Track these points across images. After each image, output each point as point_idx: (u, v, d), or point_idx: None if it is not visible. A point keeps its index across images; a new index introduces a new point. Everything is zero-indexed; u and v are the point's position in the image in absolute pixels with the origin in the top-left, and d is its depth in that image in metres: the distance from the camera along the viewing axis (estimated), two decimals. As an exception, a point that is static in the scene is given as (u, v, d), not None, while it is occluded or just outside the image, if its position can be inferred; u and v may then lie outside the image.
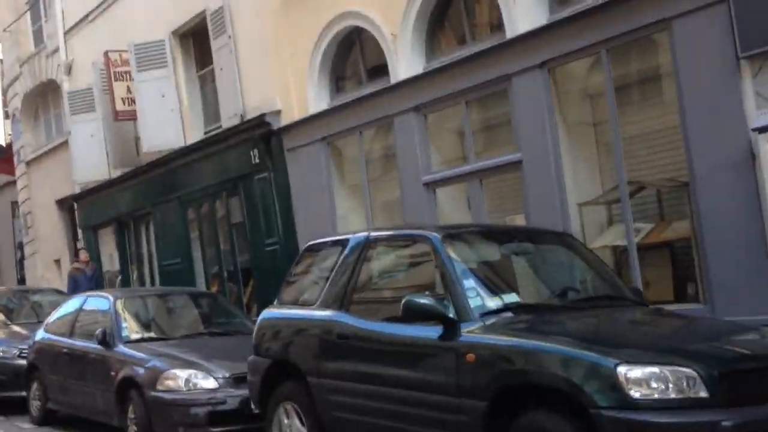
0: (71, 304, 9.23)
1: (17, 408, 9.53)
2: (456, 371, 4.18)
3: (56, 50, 15.63)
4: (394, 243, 5.37)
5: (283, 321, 5.93)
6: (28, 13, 17.04)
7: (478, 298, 4.40)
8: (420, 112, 8.56)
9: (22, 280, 23.18)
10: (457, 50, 8.44)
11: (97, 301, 8.65)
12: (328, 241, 6.08)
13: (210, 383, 6.91)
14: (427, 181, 8.40)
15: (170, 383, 6.92)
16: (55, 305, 11.78)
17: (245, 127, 11.00)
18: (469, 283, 4.44)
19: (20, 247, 28.06)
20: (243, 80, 11.21)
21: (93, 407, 7.97)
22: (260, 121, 10.64)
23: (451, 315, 4.30)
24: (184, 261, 12.58)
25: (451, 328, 4.29)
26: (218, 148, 11.65)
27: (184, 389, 6.88)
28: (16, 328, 10.80)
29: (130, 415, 7.18)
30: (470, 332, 4.21)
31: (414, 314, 4.37)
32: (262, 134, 10.72)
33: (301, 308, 5.84)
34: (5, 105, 19.06)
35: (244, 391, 6.64)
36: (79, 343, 8.35)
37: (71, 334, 8.62)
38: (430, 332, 4.39)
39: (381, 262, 5.42)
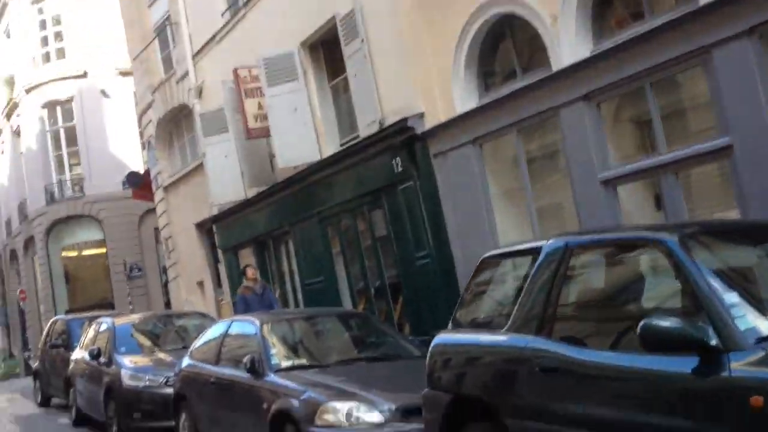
0: (216, 329, 8.71)
1: (165, 440, 9.12)
2: (730, 420, 3.11)
3: (186, 74, 15.55)
4: (605, 249, 4.32)
5: (463, 348, 5.02)
6: (157, 41, 17.13)
7: (746, 318, 3.29)
8: (591, 101, 7.49)
9: (168, 305, 23.60)
10: (631, 27, 7.34)
11: (243, 326, 8.05)
12: (511, 251, 5.12)
13: (375, 417, 6.07)
14: (606, 179, 7.30)
15: (329, 417, 6.14)
16: (200, 330, 11.45)
17: (385, 135, 10.26)
18: (732, 298, 3.32)
19: (165, 271, 28.77)
20: (380, 85, 10.49)
21: (246, 443, 7.33)
22: (402, 126, 9.86)
23: (713, 342, 3.24)
24: (327, 279, 11.96)
25: (713, 359, 3.19)
26: (356, 159, 10.98)
27: (346, 424, 6.07)
28: (162, 355, 10.45)
29: (287, 453, 6.47)
30: (746, 365, 3.13)
31: (657, 342, 3.30)
32: (404, 140, 9.94)
33: (485, 332, 4.91)
34: (141, 134, 19.40)
35: (414, 426, 5.80)
36: (226, 372, 7.76)
37: (217, 362, 8.06)
38: (679, 365, 3.34)
39: (589, 274, 4.38)
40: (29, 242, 30.13)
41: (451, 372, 5.05)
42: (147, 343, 11.40)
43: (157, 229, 28.19)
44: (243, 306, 11.47)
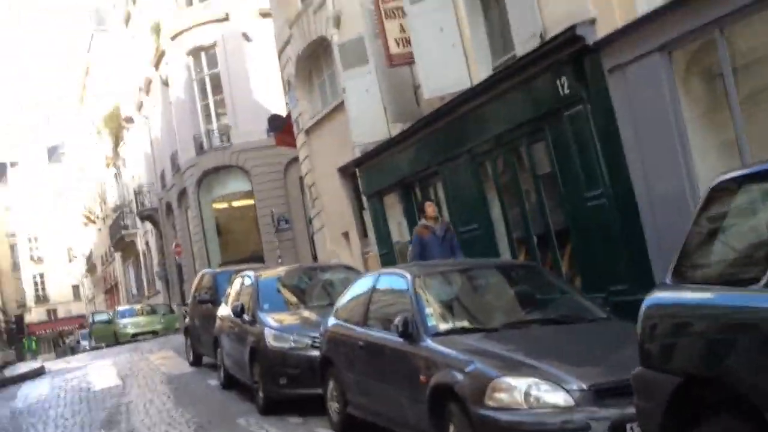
0: (362, 284, 7.65)
1: (315, 407, 8.22)
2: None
3: (323, 3, 14.47)
4: None
5: (694, 312, 3.59)
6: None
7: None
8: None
9: (315, 258, 23.22)
10: None
11: (392, 280, 6.92)
12: (761, 171, 3.57)
13: (560, 398, 4.78)
14: None
15: (503, 396, 4.90)
16: (346, 284, 10.53)
17: (547, 50, 8.70)
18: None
19: (311, 222, 28.43)
20: (539, -10, 8.91)
21: (401, 419, 6.22)
22: (568, 36, 8.27)
23: None
24: (482, 226, 10.64)
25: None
26: (513, 84, 9.50)
27: (524, 406, 4.82)
28: (307, 313, 9.57)
29: (454, 438, 5.31)
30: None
31: None
32: (571, 54, 8.36)
33: (728, 289, 3.46)
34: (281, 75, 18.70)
35: (613, 412, 4.50)
36: (375, 334, 6.70)
37: (365, 322, 7.01)
38: None
39: None
40: (182, 195, 30.69)
41: (678, 346, 3.63)
42: (292, 299, 10.58)
43: (302, 179, 27.91)
44: (419, 250, 9.72)
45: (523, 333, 5.81)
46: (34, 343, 35.53)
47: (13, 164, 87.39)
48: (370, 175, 13.80)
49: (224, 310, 11.33)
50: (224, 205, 28.78)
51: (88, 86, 55.76)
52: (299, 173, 27.55)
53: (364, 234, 14.93)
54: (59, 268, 79.47)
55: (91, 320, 35.00)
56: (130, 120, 39.84)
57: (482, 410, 4.91)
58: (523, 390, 4.83)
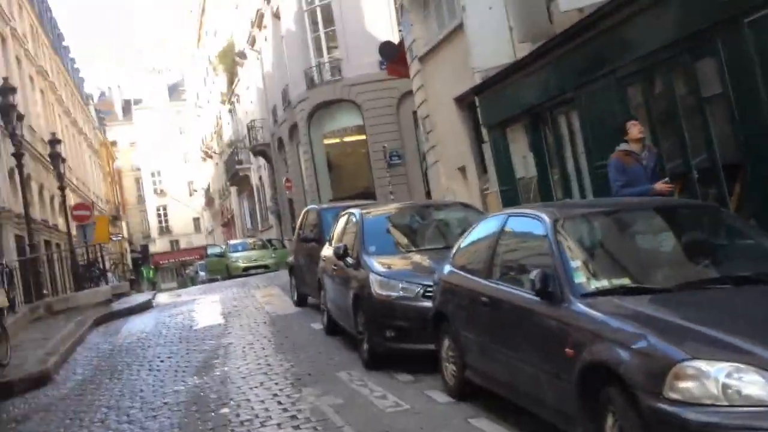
0: (485, 227, 6.32)
1: (426, 365, 7.07)
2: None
3: None
4: None
5: None
6: None
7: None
8: None
9: (428, 194, 22.02)
10: None
11: (525, 223, 5.55)
12: None
13: (772, 393, 3.38)
14: None
15: (691, 386, 3.53)
16: (464, 225, 9.21)
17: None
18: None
19: (425, 158, 27.18)
20: None
21: (535, 396, 4.94)
22: None
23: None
24: (626, 160, 9.00)
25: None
26: (674, -12, 7.76)
27: (723, 401, 3.45)
28: (418, 257, 8.35)
29: (612, 432, 4.00)
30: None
31: None
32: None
33: None
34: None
35: None
36: (503, 289, 5.40)
37: (489, 273, 5.71)
38: None
39: None
40: (293, 129, 30.03)
41: None
42: (402, 240, 9.37)
43: (416, 113, 26.52)
44: (617, 177, 7.54)
45: (708, 296, 4.36)
46: (151, 272, 36.31)
47: (137, 102, 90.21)
48: (491, 104, 12.29)
49: (328, 251, 10.31)
50: (335, 140, 27.87)
51: (205, 24, 55.96)
52: (412, 106, 26.18)
53: (483, 170, 13.53)
54: (181, 200, 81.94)
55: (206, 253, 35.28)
56: (243, 55, 39.43)
57: (660, 403, 3.56)
58: (721, 378, 3.45)
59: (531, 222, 5.35)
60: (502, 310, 5.32)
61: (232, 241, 34.61)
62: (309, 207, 13.99)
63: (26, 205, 17.30)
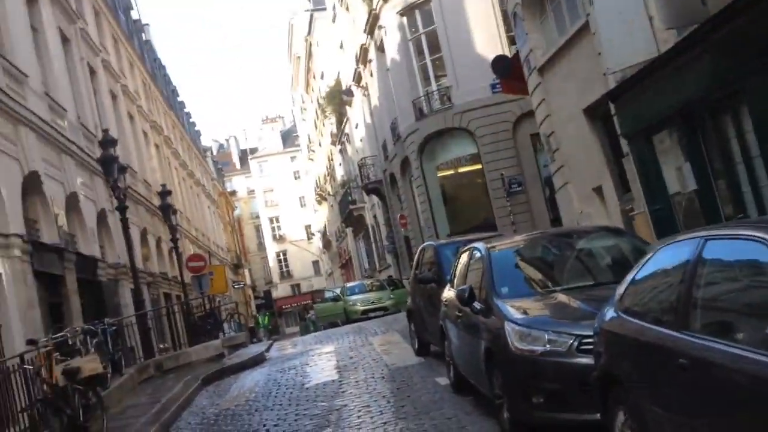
0: (668, 256, 4.58)
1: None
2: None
3: None
4: None
5: None
6: None
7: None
8: None
9: (556, 221, 20.13)
10: None
11: (739, 250, 3.80)
12: None
13: None
14: None
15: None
16: (615, 253, 7.51)
17: None
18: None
19: (547, 182, 25.29)
20: None
21: None
22: None
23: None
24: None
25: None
26: None
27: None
28: (564, 298, 6.66)
29: None
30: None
31: None
32: None
33: None
34: (503, 6, 15.67)
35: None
36: (715, 347, 3.67)
37: (684, 322, 3.99)
38: None
39: None
40: (405, 164, 28.83)
41: None
42: (539, 278, 7.73)
43: (534, 136, 24.77)
44: None
45: None
46: (266, 319, 35.35)
47: (252, 151, 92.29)
48: (630, 110, 10.47)
49: (449, 293, 8.78)
50: (449, 172, 26.38)
51: (312, 68, 56.25)
52: (530, 129, 24.46)
53: (624, 188, 11.66)
54: (299, 245, 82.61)
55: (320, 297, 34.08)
56: (349, 93, 38.87)
57: None
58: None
59: (750, 248, 3.61)
60: (716, 380, 3.60)
61: (349, 284, 33.58)
62: (425, 244, 12.53)
63: (132, 258, 16.73)
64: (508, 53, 24.46)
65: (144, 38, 44.18)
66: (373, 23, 29.24)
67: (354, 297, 28.29)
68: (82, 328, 11.82)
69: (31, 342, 9.45)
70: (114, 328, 13.83)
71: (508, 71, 15.14)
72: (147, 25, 50.77)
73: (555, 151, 13.64)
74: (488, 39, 24.49)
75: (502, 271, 7.29)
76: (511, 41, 23.84)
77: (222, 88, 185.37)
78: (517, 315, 6.39)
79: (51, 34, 20.06)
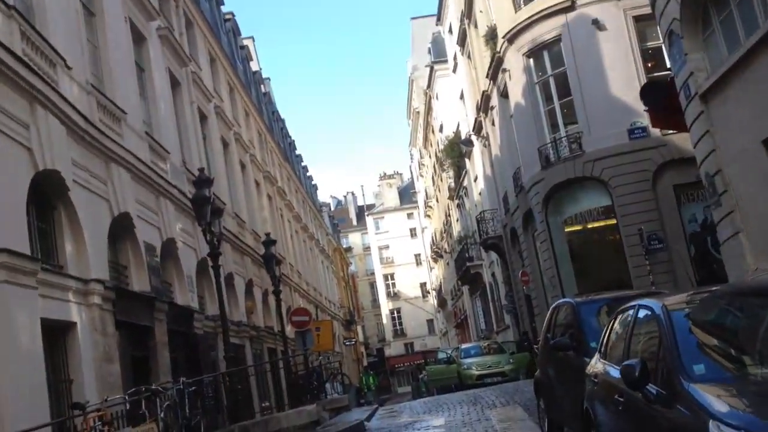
0: None
1: None
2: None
3: None
4: None
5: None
6: None
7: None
8: None
9: (708, 281, 17.25)
10: None
11: None
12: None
13: None
14: None
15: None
16: None
17: None
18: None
19: (694, 239, 22.30)
20: None
21: None
22: None
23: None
24: None
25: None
26: None
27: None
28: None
29: None
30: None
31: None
32: None
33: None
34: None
35: None
36: None
37: None
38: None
39: None
40: (528, 217, 26.53)
41: None
42: (730, 351, 5.41)
43: (678, 186, 22.00)
44: None
45: None
46: (371, 379, 32.89)
47: (369, 207, 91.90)
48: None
49: (599, 365, 6.56)
50: (578, 227, 23.81)
51: (432, 123, 55.07)
52: (674, 179, 21.74)
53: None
54: (414, 302, 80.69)
55: (431, 359, 31.61)
56: (469, 143, 37.07)
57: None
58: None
59: None
60: None
61: (464, 345, 31.13)
62: (560, 301, 10.27)
63: (222, 307, 15.18)
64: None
65: (263, 90, 44.27)
66: (496, 67, 27.46)
67: (469, 360, 25.87)
68: (147, 388, 10.17)
69: (76, 406, 7.85)
70: (193, 388, 12.20)
71: (660, 102, 12.83)
72: (267, 79, 51.24)
73: (722, 194, 11.17)
74: (625, 80, 22.12)
75: (690, 340, 5.05)
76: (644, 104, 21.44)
77: (343, 146, 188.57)
78: (723, 408, 4.17)
79: (158, 75, 19.40)
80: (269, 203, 35.25)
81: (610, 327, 6.80)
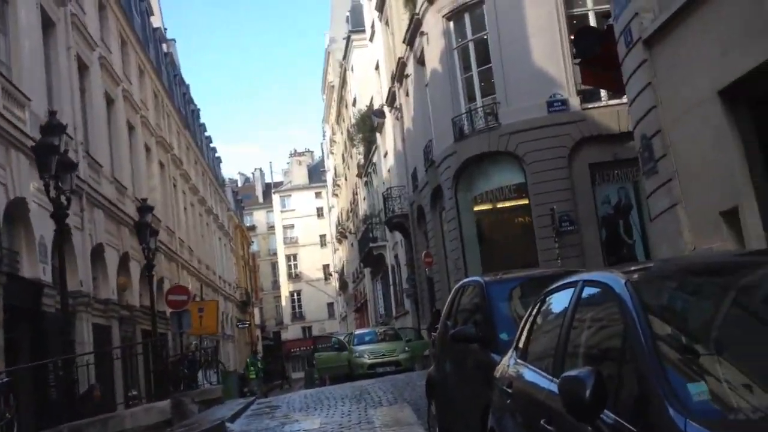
0: None
1: None
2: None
3: None
4: None
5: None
6: None
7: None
8: None
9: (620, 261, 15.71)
10: None
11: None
12: None
13: None
14: None
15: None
16: None
17: None
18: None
19: (606, 222, 20.93)
20: None
21: None
22: None
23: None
24: None
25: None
26: None
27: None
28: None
29: None
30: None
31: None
32: None
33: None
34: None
35: None
36: None
37: None
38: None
39: None
40: (436, 194, 24.61)
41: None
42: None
43: (594, 165, 20.50)
44: None
45: None
46: (258, 365, 29.30)
47: (276, 185, 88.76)
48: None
49: (515, 368, 4.48)
50: (487, 206, 22.01)
51: (345, 97, 52.70)
52: (590, 157, 20.14)
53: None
54: (315, 285, 78.38)
55: (324, 345, 29.01)
56: (380, 114, 34.94)
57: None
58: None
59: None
60: None
61: (357, 331, 28.97)
62: (466, 280, 8.16)
63: (63, 277, 12.52)
64: (570, 66, 20.43)
65: (165, 50, 40.86)
66: (414, 31, 25.40)
67: (361, 347, 23.73)
68: None
69: None
70: (6, 380, 9.58)
71: (595, 50, 10.87)
72: (173, 40, 47.65)
73: (660, 160, 9.31)
74: (548, 49, 20.40)
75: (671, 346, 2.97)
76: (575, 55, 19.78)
77: (260, 124, 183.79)
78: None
79: (26, 10, 16.61)
80: (160, 171, 32.22)
81: (532, 314, 4.71)
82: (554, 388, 3.49)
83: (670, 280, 3.49)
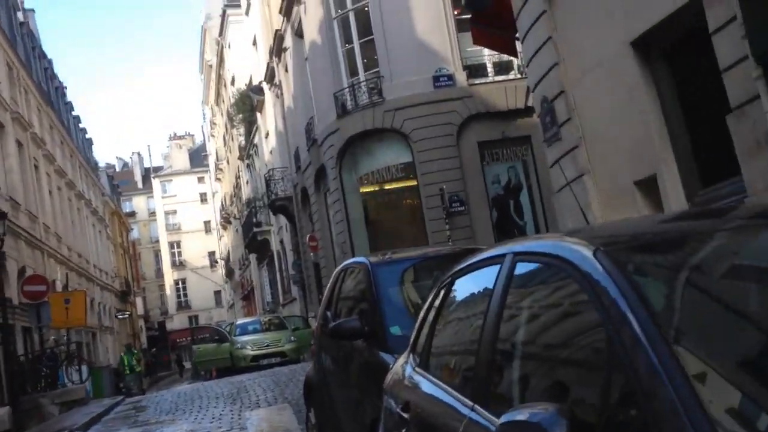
0: None
1: None
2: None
3: None
4: None
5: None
6: None
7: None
8: None
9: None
10: None
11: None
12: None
13: None
14: None
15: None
16: None
17: None
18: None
19: (496, 203, 20.34)
20: None
21: None
22: None
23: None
24: None
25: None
26: None
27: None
28: None
29: None
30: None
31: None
32: None
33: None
34: None
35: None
36: None
37: None
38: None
39: None
40: (320, 174, 23.32)
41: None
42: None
43: (482, 144, 19.82)
44: None
45: None
46: (133, 358, 27.34)
47: (156, 170, 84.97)
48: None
49: (413, 378, 3.26)
50: (374, 187, 20.95)
51: (223, 77, 50.38)
52: (479, 135, 19.46)
53: (705, 175, 6.49)
54: (200, 272, 75.58)
55: (204, 336, 27.46)
56: (259, 91, 33.22)
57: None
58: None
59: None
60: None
61: (239, 321, 27.39)
62: (349, 261, 6.93)
63: None
64: (455, 40, 19.58)
65: (21, 19, 37.46)
66: (291, 2, 23.86)
67: (244, 338, 22.23)
68: None
69: None
70: None
71: (485, 5, 9.86)
72: (31, 10, 43.98)
73: (563, 124, 8.39)
74: (433, 22, 19.48)
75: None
76: (460, 27, 18.92)
77: (134, 105, 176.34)
78: None
79: None
80: (18, 150, 29.35)
81: (433, 305, 3.51)
82: (475, 417, 2.31)
83: (655, 250, 2.34)
